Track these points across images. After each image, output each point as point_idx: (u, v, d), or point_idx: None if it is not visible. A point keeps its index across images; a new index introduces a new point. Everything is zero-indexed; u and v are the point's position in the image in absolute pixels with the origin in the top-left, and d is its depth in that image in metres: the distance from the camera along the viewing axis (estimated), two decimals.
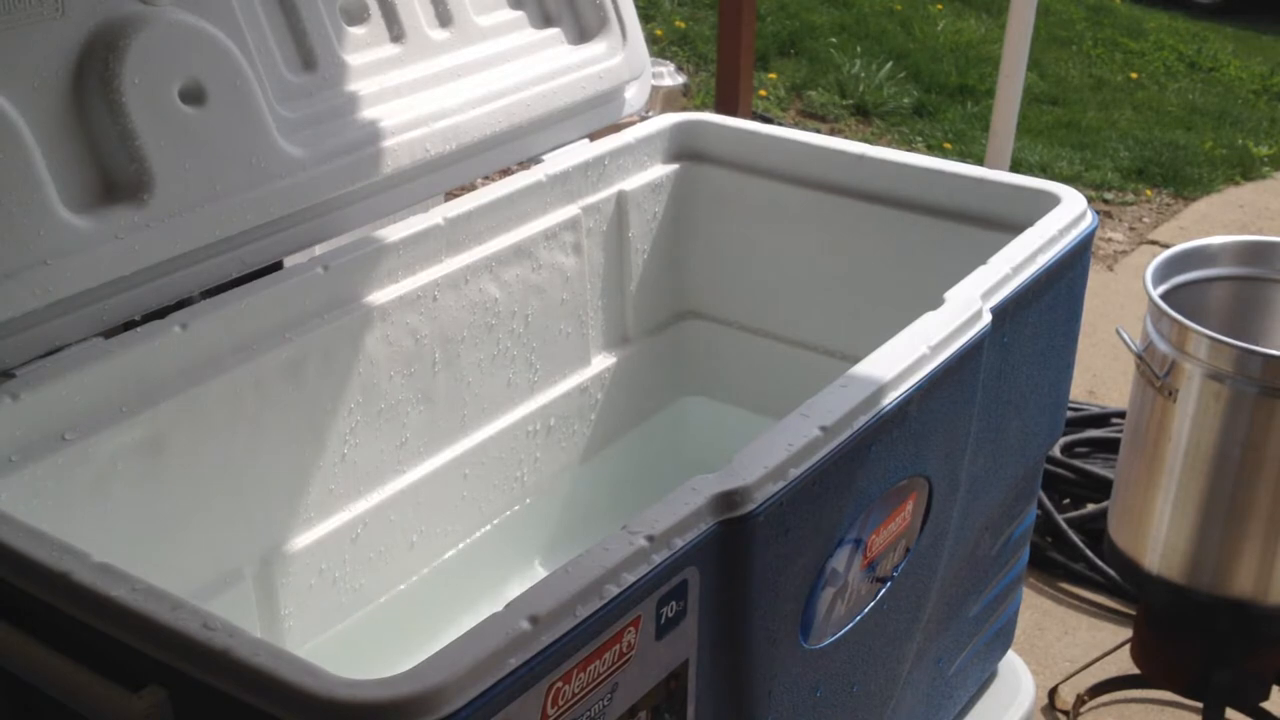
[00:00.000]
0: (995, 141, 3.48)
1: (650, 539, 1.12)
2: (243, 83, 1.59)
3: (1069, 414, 3.25)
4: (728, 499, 1.19)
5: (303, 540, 1.73)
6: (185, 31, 1.54)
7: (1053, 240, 1.70)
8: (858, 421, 1.33)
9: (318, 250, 1.76)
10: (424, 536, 1.91)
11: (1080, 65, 6.91)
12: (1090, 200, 2.27)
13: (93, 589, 1.07)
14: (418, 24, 1.86)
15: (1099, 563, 2.89)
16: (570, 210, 2.02)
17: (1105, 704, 2.57)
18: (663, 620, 1.14)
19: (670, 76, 5.03)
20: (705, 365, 2.32)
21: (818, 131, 3.92)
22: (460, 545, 1.97)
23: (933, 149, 5.62)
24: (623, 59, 2.09)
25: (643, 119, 2.19)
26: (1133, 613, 2.68)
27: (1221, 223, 5.02)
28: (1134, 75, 6.82)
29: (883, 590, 1.49)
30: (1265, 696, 2.33)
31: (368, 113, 1.76)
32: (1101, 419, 3.37)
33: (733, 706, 1.30)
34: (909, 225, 2.00)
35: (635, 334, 2.23)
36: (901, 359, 1.42)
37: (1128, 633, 2.50)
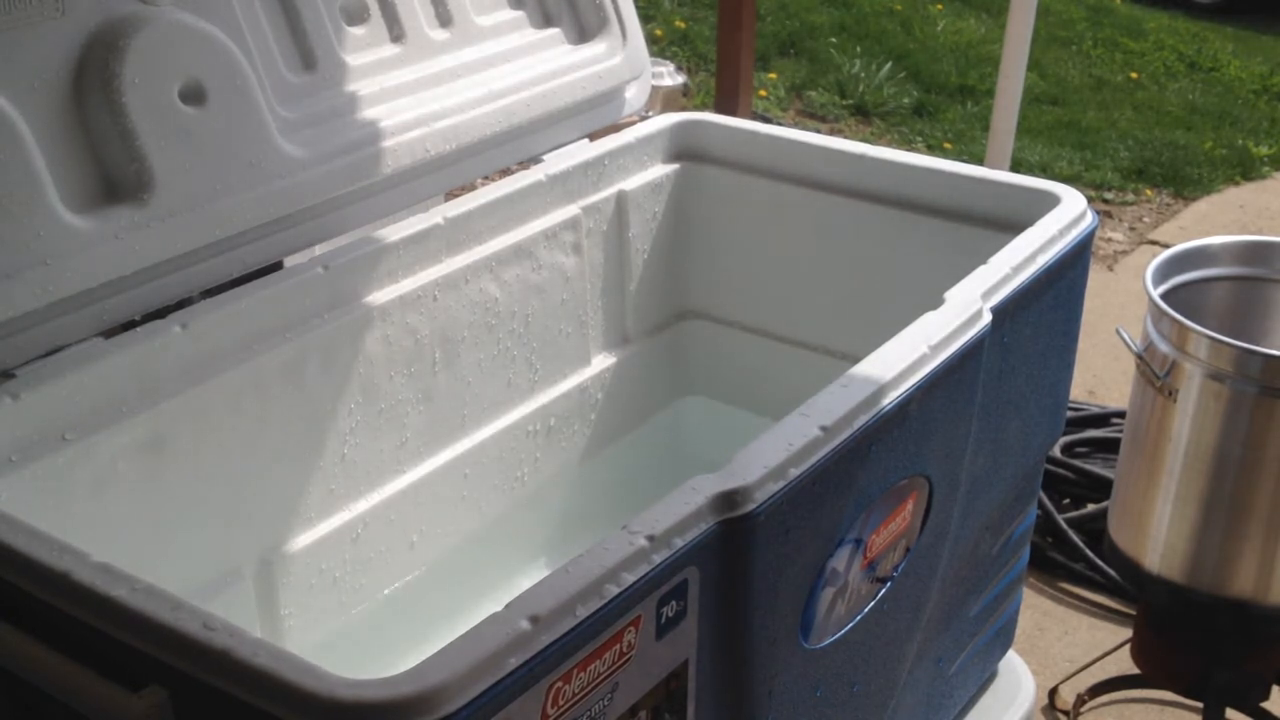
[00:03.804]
0: (995, 141, 3.48)
1: (650, 539, 1.12)
2: (243, 83, 1.59)
3: (1069, 414, 3.25)
4: (728, 499, 1.19)
5: (303, 540, 1.73)
6: (185, 31, 1.54)
7: (1053, 240, 1.70)
8: (858, 421, 1.33)
9: (318, 250, 1.76)
10: (424, 536, 1.91)
11: (1080, 65, 6.91)
12: (1090, 200, 2.27)
13: (93, 589, 1.07)
14: (418, 24, 1.86)
15: (1099, 563, 2.89)
16: (570, 210, 2.02)
17: (1105, 704, 2.57)
18: (663, 620, 1.14)
19: (670, 76, 5.03)
20: (705, 365, 2.32)
21: (818, 131, 3.92)
22: (460, 545, 1.97)
23: (933, 149, 5.62)
24: (623, 59, 2.09)
25: (643, 119, 2.19)
26: (1133, 613, 2.68)
27: (1221, 223, 5.02)
28: (1134, 75, 6.82)
29: (883, 590, 1.49)
30: (1265, 696, 2.33)
31: (368, 113, 1.76)
32: (1101, 419, 3.37)
33: (733, 706, 1.30)
34: (909, 225, 2.00)
35: (635, 334, 2.23)
36: (901, 359, 1.42)
37: (1128, 633, 2.50)
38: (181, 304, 1.59)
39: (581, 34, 2.08)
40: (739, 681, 1.29)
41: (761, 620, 1.27)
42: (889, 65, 6.30)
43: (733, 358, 2.29)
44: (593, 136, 2.10)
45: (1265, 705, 2.36)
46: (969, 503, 1.66)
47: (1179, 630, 2.30)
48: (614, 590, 1.08)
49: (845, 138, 3.67)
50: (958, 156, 5.43)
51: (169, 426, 1.53)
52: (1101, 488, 3.06)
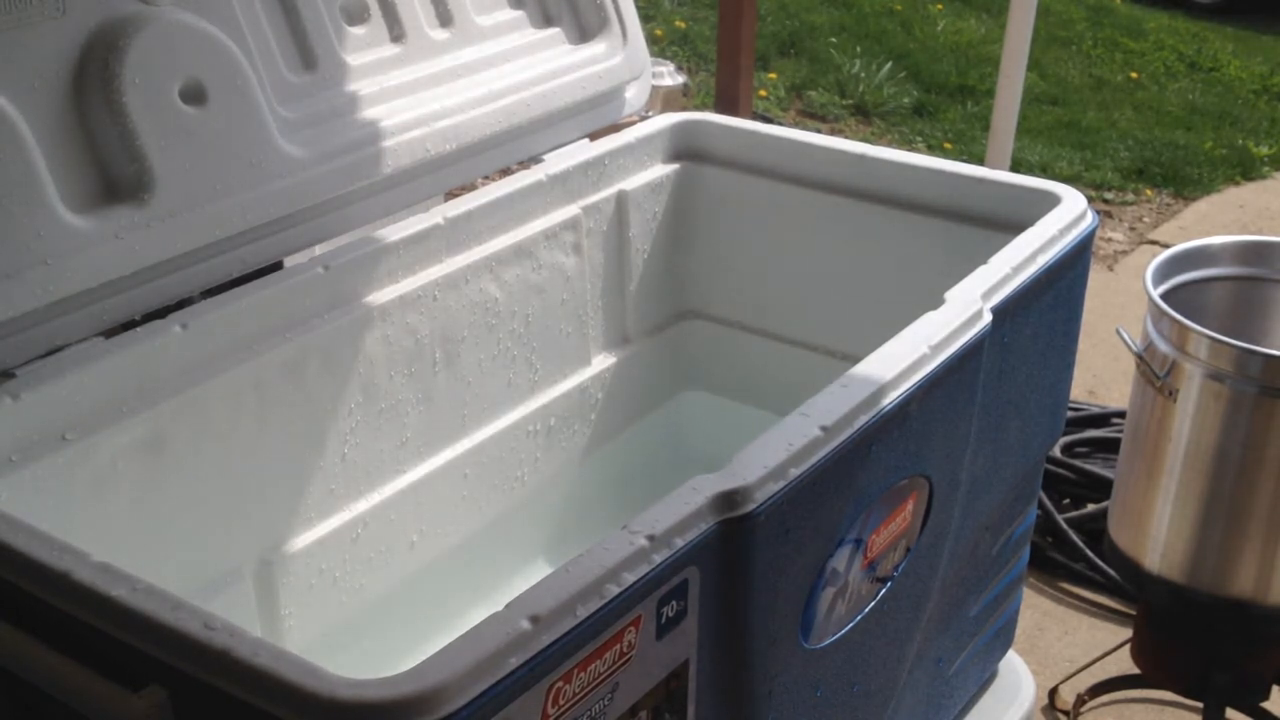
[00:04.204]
0: (995, 141, 3.48)
1: (651, 539, 1.12)
2: (243, 83, 1.59)
3: (1069, 414, 3.25)
4: (728, 499, 1.19)
5: (303, 540, 1.73)
6: (185, 31, 1.54)
7: (1053, 240, 1.70)
8: (858, 421, 1.33)
9: (318, 250, 1.76)
10: (424, 536, 1.91)
11: (1080, 65, 6.91)
12: (1090, 200, 2.27)
13: (93, 589, 1.07)
14: (418, 24, 1.86)
15: (1099, 563, 2.89)
16: (570, 210, 2.02)
17: (1105, 704, 2.57)
18: (663, 620, 1.14)
19: (670, 76, 5.02)
20: (705, 365, 2.32)
21: (818, 131, 3.92)
22: (460, 545, 1.97)
23: (933, 149, 5.62)
24: (623, 59, 2.09)
25: (643, 119, 2.19)
26: (1133, 613, 2.68)
27: (1221, 223, 5.02)
28: (1134, 75, 6.82)
29: (883, 590, 1.49)
30: (1265, 696, 2.33)
31: (368, 113, 1.76)
32: (1101, 419, 3.37)
33: (733, 706, 1.30)
34: (909, 225, 2.00)
35: (635, 334, 2.23)
36: (902, 359, 1.42)
37: (1128, 633, 2.50)
38: (181, 304, 1.59)
39: (582, 34, 2.08)
40: (739, 681, 1.29)
41: (761, 620, 1.27)
42: (889, 65, 6.30)
43: (733, 358, 2.29)
44: (593, 136, 2.11)
45: (1265, 705, 2.36)
46: (969, 503, 1.66)
47: (1179, 630, 2.30)
48: (614, 590, 1.08)
49: (845, 138, 3.67)
50: (958, 156, 5.43)
51: (169, 426, 1.53)
52: (1101, 488, 3.05)
